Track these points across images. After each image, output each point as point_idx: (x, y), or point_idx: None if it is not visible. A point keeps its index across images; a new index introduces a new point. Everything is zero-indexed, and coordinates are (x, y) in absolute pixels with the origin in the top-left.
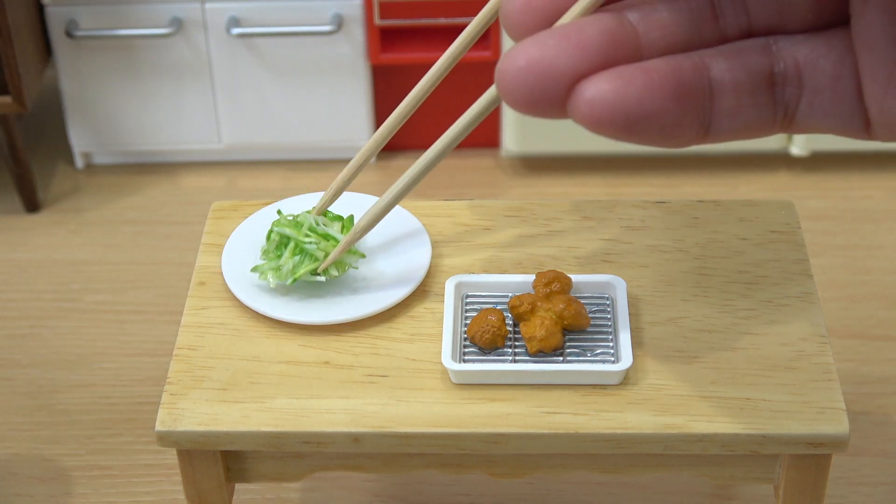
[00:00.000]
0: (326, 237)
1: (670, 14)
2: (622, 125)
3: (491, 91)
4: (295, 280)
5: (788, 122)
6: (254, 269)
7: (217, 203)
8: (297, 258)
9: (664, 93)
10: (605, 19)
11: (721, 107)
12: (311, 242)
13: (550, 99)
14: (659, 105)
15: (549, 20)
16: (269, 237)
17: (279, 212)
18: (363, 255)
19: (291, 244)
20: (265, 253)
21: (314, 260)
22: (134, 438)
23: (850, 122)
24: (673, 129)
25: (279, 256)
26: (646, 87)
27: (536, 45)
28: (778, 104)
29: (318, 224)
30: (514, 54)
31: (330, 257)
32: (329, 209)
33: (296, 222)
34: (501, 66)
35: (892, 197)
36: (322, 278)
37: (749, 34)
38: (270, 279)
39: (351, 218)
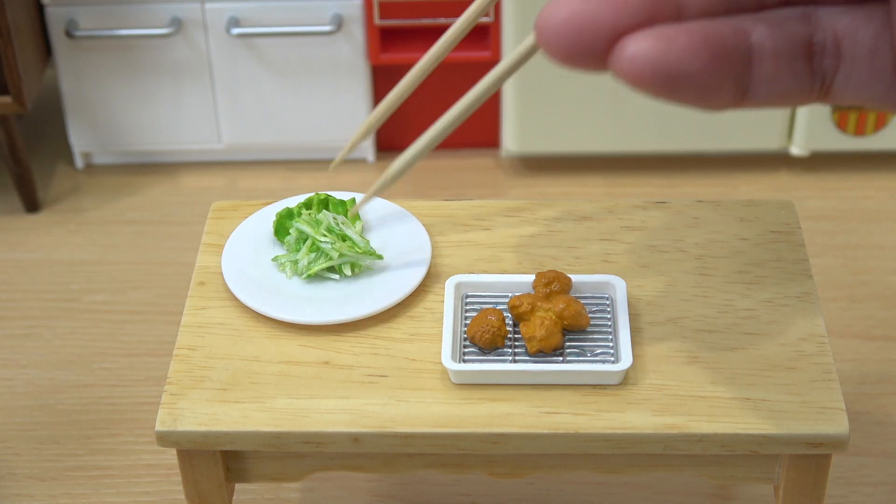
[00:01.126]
0: (343, 237)
1: None
2: (662, 83)
3: (528, 40)
4: (309, 276)
5: (825, 93)
6: (274, 260)
7: (217, 203)
8: (312, 255)
9: (704, 54)
10: None
11: (760, 72)
12: (326, 241)
13: (590, 52)
14: (699, 66)
15: None
16: (276, 230)
17: (301, 206)
18: (381, 257)
19: (308, 241)
20: (287, 244)
21: (329, 259)
22: (134, 438)
23: (887, 96)
24: (712, 90)
25: (298, 250)
26: (687, 47)
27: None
28: (816, 74)
29: (336, 224)
30: (557, 5)
31: (360, 203)
32: (333, 195)
33: (315, 220)
34: (542, 16)
35: (892, 197)
36: (336, 276)
37: (787, 2)
38: (288, 271)
39: (353, 200)
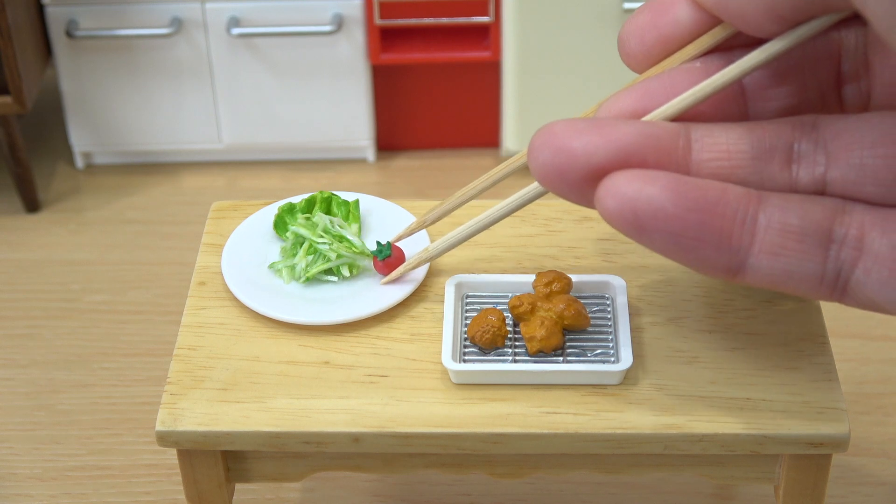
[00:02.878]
0: (340, 238)
1: (731, 141)
2: (631, 222)
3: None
4: (308, 279)
5: (842, 289)
6: (270, 266)
7: (217, 203)
8: (310, 258)
9: (685, 202)
10: (660, 126)
11: (763, 243)
12: (324, 243)
13: (571, 188)
14: (674, 212)
15: (661, 54)
16: (276, 223)
17: (297, 210)
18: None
19: (306, 244)
20: (283, 251)
21: (327, 260)
22: (134, 438)
23: None
24: (691, 243)
25: (295, 255)
26: (665, 190)
27: (569, 132)
28: (830, 262)
29: (332, 225)
30: (547, 138)
31: (388, 277)
32: (337, 194)
33: (311, 223)
34: (533, 143)
35: None
36: (335, 278)
37: (822, 187)
38: (285, 276)
39: (357, 202)
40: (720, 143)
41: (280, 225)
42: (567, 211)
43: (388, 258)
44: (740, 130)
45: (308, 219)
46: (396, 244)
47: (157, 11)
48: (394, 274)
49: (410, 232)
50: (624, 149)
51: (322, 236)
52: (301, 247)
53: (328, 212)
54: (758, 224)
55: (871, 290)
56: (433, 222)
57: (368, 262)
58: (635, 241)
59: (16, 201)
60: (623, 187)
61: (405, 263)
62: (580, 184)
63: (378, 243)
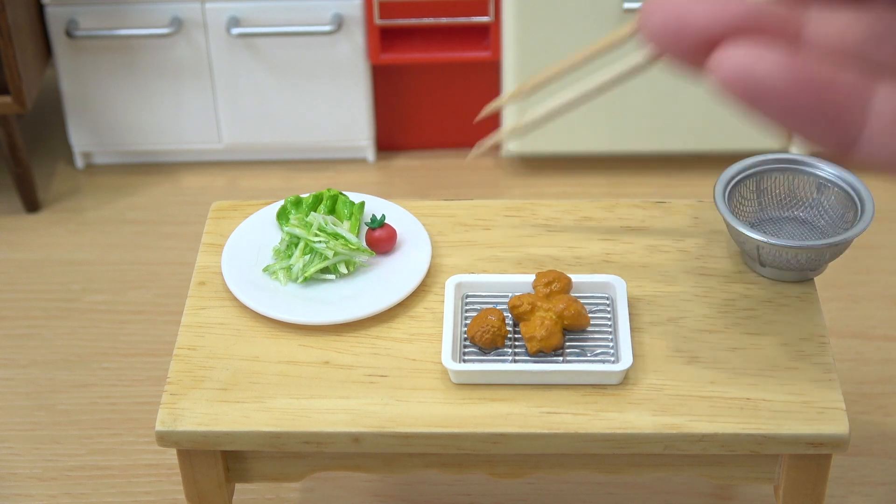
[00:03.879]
0: (336, 236)
1: (843, 24)
2: (744, 92)
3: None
4: (306, 279)
5: None
6: (265, 270)
7: (217, 203)
8: (306, 257)
9: (800, 76)
10: (775, 3)
11: (877, 123)
12: (320, 241)
13: (685, 52)
14: (788, 85)
15: None
16: (279, 213)
17: (304, 205)
18: (373, 254)
19: (301, 244)
20: (276, 253)
21: (323, 259)
22: (134, 438)
23: None
24: (805, 116)
25: (290, 256)
26: (781, 63)
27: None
28: None
29: (326, 224)
30: (664, 1)
31: (476, 151)
32: (346, 194)
33: (305, 223)
34: (649, 5)
35: (892, 197)
36: (332, 276)
37: None
38: (281, 279)
39: (362, 204)
40: (832, 25)
41: (282, 215)
42: (567, 211)
43: (379, 230)
44: (851, 14)
45: (301, 219)
46: (393, 218)
47: (157, 11)
48: (487, 140)
49: (508, 100)
50: (742, 18)
51: (317, 235)
52: (296, 247)
53: (332, 209)
54: (872, 104)
55: None
56: (531, 92)
57: (365, 259)
58: (747, 111)
59: (16, 201)
60: (739, 57)
61: (498, 131)
62: (694, 49)
63: (374, 216)
